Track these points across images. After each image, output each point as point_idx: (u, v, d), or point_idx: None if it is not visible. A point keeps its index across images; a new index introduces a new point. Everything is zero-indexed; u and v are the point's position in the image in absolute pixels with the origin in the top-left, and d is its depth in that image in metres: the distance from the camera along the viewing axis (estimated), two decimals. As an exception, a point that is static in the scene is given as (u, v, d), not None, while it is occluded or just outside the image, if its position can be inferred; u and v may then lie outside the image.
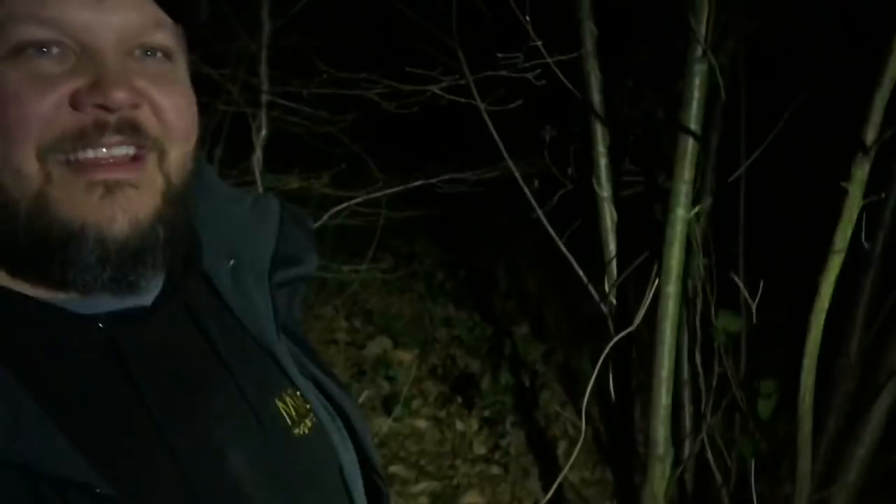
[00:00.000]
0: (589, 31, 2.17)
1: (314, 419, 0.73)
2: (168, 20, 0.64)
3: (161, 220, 0.63)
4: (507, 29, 2.15)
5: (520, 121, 2.44)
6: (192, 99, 0.67)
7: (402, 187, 2.44)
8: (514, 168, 2.26)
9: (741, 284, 1.91)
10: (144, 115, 0.62)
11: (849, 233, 1.47)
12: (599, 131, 2.24)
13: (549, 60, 1.91)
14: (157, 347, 0.66)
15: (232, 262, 0.74)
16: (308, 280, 0.81)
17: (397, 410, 3.35)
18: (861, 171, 1.40)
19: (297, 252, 0.78)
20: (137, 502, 0.58)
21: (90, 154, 0.60)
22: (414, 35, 2.28)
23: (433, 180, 2.51)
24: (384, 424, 3.30)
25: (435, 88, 2.08)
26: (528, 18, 1.95)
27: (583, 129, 2.35)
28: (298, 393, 0.73)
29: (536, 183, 2.48)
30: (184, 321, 0.69)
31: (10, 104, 0.59)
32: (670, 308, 1.96)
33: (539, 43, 1.84)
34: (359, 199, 2.48)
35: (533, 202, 2.32)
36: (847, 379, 2.23)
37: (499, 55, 1.90)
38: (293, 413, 0.71)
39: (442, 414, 3.57)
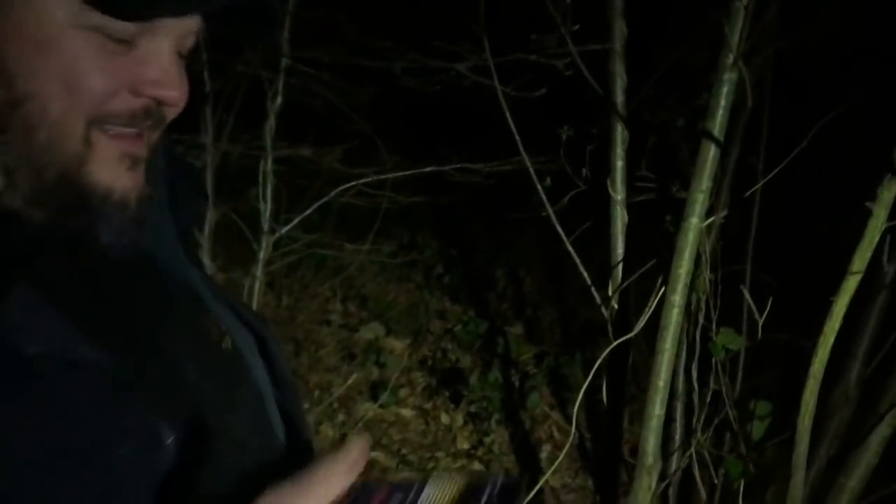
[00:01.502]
0: (619, 30, 2.14)
1: (230, 339, 0.80)
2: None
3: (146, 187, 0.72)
4: (534, 19, 2.12)
5: (537, 118, 2.41)
6: None
7: (413, 171, 2.41)
8: (528, 163, 2.22)
9: (750, 300, 1.87)
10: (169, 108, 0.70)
11: (868, 255, 1.43)
12: (619, 133, 2.21)
13: (573, 50, 1.87)
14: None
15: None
16: (198, 225, 0.88)
17: (384, 397, 3.32)
18: (888, 193, 1.37)
19: (187, 191, 0.86)
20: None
21: (126, 130, 0.67)
22: (440, 17, 2.25)
23: (445, 168, 2.48)
24: (370, 410, 3.27)
25: (460, 67, 2.04)
26: (557, 8, 1.92)
27: (601, 130, 2.32)
28: (212, 314, 0.81)
29: (548, 181, 2.45)
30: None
31: (77, 72, 0.63)
32: (674, 317, 1.93)
33: (567, 30, 1.81)
34: (368, 180, 2.44)
35: (544, 199, 2.29)
36: (844, 407, 2.20)
37: (531, 36, 1.86)
38: (213, 330, 0.79)
39: (428, 405, 3.55)
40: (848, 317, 1.56)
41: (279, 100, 2.29)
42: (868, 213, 1.40)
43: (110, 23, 0.63)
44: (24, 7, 0.61)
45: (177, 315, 0.76)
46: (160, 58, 0.67)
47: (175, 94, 0.68)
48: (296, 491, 0.54)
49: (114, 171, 0.67)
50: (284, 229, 2.44)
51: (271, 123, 2.28)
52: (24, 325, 0.60)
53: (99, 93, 0.64)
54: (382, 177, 2.42)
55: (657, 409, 2.02)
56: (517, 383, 3.75)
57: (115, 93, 0.65)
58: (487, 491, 0.56)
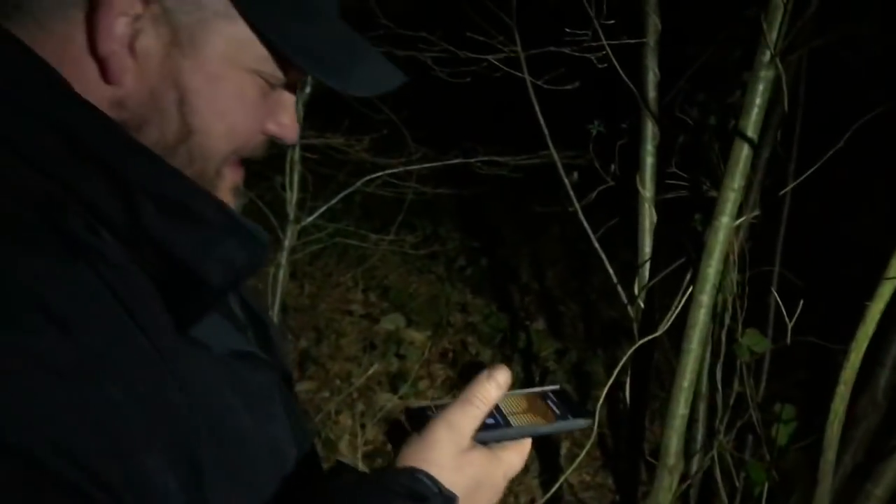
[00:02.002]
0: (653, 24, 2.11)
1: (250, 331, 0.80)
2: None
3: None
4: (566, 12, 2.09)
5: (567, 112, 2.39)
6: None
7: (439, 163, 2.39)
8: (556, 157, 2.20)
9: (779, 301, 1.84)
10: None
11: (906, 260, 1.40)
12: (650, 129, 2.18)
13: (606, 44, 1.84)
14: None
15: None
16: None
17: (403, 389, 3.32)
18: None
19: None
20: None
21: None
22: (473, 8, 2.22)
23: (472, 160, 2.46)
24: (389, 401, 3.26)
25: (491, 58, 2.02)
26: (591, 2, 1.89)
27: (631, 126, 2.29)
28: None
29: (576, 175, 2.43)
30: None
31: (239, 112, 0.67)
32: (701, 316, 1.90)
33: (599, 24, 1.78)
34: (395, 170, 2.43)
35: (571, 194, 2.26)
36: (871, 414, 2.16)
37: (566, 30, 1.84)
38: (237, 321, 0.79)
39: (448, 398, 3.54)
40: (879, 324, 1.53)
41: (308, 88, 2.29)
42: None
43: (272, 69, 0.66)
44: (212, 45, 0.63)
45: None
46: (291, 103, 0.72)
47: (295, 138, 0.73)
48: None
49: (230, 200, 0.70)
50: (309, 219, 2.44)
51: (299, 112, 2.27)
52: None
53: (250, 132, 0.69)
54: (409, 168, 2.41)
55: (681, 409, 1.99)
56: (538, 379, 3.73)
57: (257, 132, 0.70)
58: (548, 396, 0.74)
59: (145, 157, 0.62)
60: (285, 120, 0.71)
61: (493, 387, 0.68)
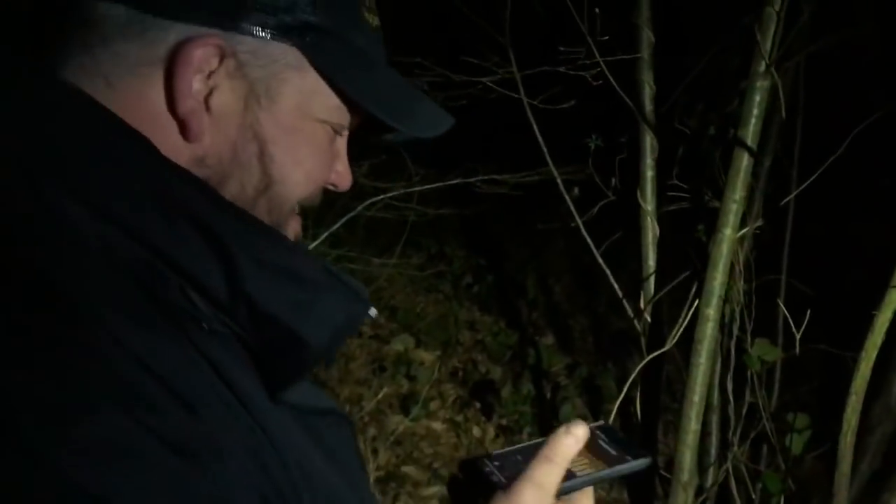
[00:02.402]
0: (646, 38, 2.11)
1: None
2: None
3: None
4: (560, 30, 2.09)
5: (565, 127, 2.38)
6: None
7: (439, 184, 2.39)
8: (556, 173, 2.20)
9: (785, 311, 1.83)
10: None
11: (911, 267, 1.39)
12: (648, 142, 2.17)
13: (601, 61, 1.84)
14: None
15: None
16: None
17: (415, 410, 3.30)
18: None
19: None
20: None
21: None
22: (467, 31, 2.23)
23: (471, 179, 2.46)
24: (400, 424, 3.25)
25: (486, 80, 2.02)
26: (583, 20, 1.89)
27: (630, 140, 2.28)
28: None
29: (577, 191, 2.42)
30: None
31: (315, 161, 0.68)
32: (708, 331, 1.89)
33: (593, 41, 1.78)
34: (395, 193, 2.42)
35: (573, 210, 2.25)
36: (886, 420, 2.14)
37: (560, 48, 1.83)
38: None
39: (459, 418, 3.52)
40: (890, 328, 1.51)
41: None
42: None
43: (339, 117, 0.68)
44: (287, 96, 0.64)
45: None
46: (345, 152, 0.73)
47: (349, 185, 0.74)
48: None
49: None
50: (312, 245, 2.43)
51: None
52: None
53: (322, 180, 0.70)
54: (409, 190, 2.41)
55: (693, 425, 1.97)
56: (549, 395, 3.71)
57: (326, 180, 0.71)
58: (598, 436, 0.73)
59: (241, 219, 0.61)
60: (341, 168, 0.72)
61: (573, 442, 0.69)
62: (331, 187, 0.72)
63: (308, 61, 0.64)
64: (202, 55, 0.59)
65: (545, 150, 2.18)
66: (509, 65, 2.04)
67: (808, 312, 1.93)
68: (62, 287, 0.52)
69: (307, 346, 0.61)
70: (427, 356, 3.90)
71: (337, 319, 0.63)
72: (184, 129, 0.61)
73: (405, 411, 3.39)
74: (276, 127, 0.64)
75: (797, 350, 1.79)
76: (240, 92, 0.62)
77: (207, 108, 0.61)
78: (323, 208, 2.93)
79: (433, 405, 3.56)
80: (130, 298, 0.54)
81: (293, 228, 0.70)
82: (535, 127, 2.12)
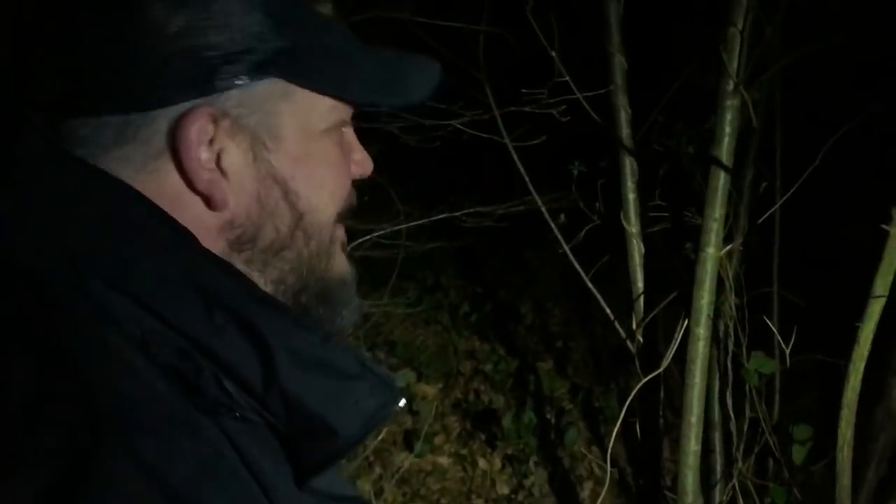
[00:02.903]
0: (619, 64, 2.13)
1: None
2: None
3: None
4: (536, 62, 2.11)
5: (547, 155, 2.40)
6: None
7: (424, 220, 2.40)
8: (539, 202, 2.21)
9: (773, 327, 1.83)
10: None
11: (890, 278, 1.39)
12: (628, 166, 2.19)
13: (578, 95, 1.86)
14: None
15: None
16: None
17: (419, 446, 3.28)
18: (904, 213, 1.33)
19: None
20: None
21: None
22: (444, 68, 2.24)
23: (456, 213, 2.47)
24: (406, 460, 3.23)
25: (456, 123, 2.04)
26: (554, 54, 1.91)
27: (611, 164, 2.30)
28: None
29: (563, 217, 2.43)
30: None
31: (335, 175, 0.67)
32: (700, 350, 1.89)
33: (566, 78, 1.79)
34: (382, 232, 2.43)
35: (559, 237, 2.26)
36: (888, 425, 2.13)
37: (524, 91, 1.85)
38: None
39: (464, 451, 3.49)
40: (886, 330, 1.51)
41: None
42: (885, 235, 1.36)
43: (336, 116, 0.67)
44: (287, 127, 0.64)
45: None
46: (355, 139, 0.71)
47: (372, 167, 0.72)
48: None
49: (344, 259, 0.71)
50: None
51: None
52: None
53: (346, 187, 0.68)
54: (395, 228, 2.42)
55: (693, 445, 1.97)
56: (553, 420, 3.69)
57: (349, 183, 0.69)
58: None
59: (276, 310, 0.61)
60: (358, 156, 0.71)
61: None
62: (358, 178, 0.71)
63: (292, 84, 0.64)
64: (198, 128, 0.60)
65: (528, 180, 2.19)
66: (478, 102, 2.05)
67: (800, 323, 1.94)
68: (94, 388, 0.53)
69: (338, 435, 0.61)
70: (429, 390, 3.89)
71: (368, 409, 0.63)
72: (208, 202, 0.62)
73: (410, 447, 3.37)
74: (290, 162, 0.64)
75: (787, 362, 1.79)
76: (245, 145, 0.62)
77: (222, 172, 0.62)
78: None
79: (437, 439, 3.54)
80: (163, 397, 0.55)
81: (339, 237, 0.70)
82: (516, 160, 2.14)
